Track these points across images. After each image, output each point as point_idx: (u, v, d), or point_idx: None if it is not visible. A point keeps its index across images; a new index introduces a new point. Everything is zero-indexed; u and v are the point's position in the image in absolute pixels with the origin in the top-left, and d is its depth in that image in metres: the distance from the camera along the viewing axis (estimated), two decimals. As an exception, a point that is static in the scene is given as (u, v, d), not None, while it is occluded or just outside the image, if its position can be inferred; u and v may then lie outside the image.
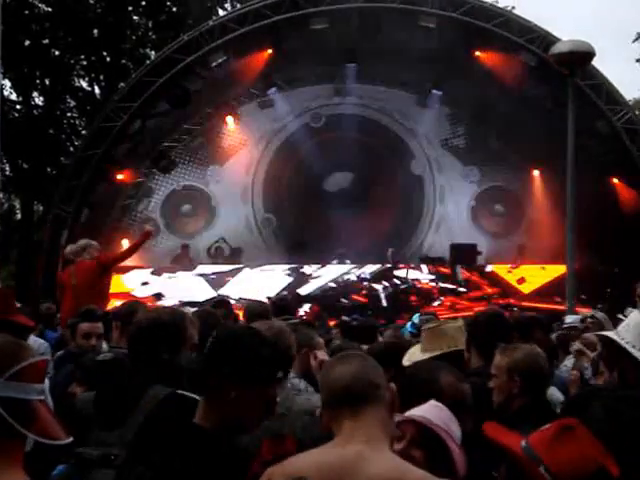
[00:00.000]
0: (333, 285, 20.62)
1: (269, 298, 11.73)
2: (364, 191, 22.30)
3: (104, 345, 5.67)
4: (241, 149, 22.42)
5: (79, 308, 6.99)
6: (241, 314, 7.72)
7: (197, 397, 2.90)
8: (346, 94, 21.58)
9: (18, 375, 2.00)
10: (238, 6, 23.23)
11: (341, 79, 20.81)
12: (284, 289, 19.66)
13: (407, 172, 22.81)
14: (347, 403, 2.53)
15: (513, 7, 25.26)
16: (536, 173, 21.93)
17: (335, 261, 21.15)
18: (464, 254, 20.89)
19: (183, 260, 21.51)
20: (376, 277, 20.57)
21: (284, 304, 7.43)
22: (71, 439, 2.11)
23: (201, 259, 21.87)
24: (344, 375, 2.58)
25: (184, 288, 19.68)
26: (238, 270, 20.70)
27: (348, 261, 21.08)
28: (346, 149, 21.19)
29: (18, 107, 27.30)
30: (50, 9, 26.24)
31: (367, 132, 21.83)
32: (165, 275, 20.58)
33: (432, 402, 3.15)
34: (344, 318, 13.94)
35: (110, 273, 9.13)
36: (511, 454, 2.44)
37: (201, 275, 20.44)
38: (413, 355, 4.56)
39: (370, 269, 20.74)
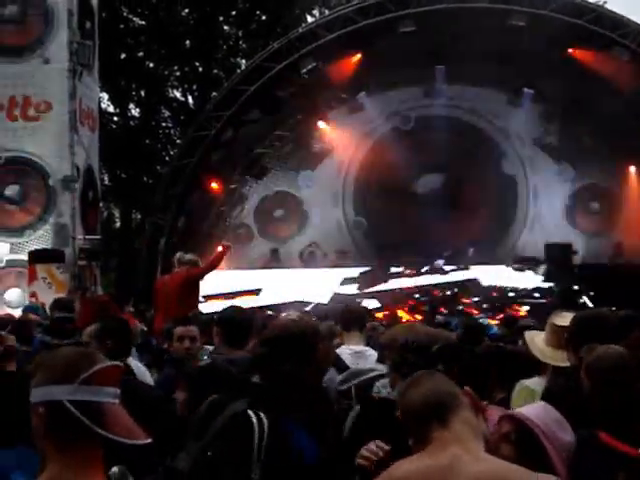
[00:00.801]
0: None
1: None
2: (456, 192, 22.10)
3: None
4: (332, 153, 22.54)
5: (168, 316, 7.69)
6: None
7: (263, 416, 2.89)
8: (435, 96, 21.37)
9: (90, 379, 2.10)
10: (326, 12, 23.40)
11: (430, 81, 20.67)
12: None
13: (499, 172, 22.52)
14: (433, 416, 2.57)
15: (605, 2, 24.71)
16: (632, 169, 21.39)
17: (441, 262, 20.94)
18: (559, 254, 20.52)
19: (271, 265, 21.78)
20: None
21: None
22: (149, 440, 2.14)
23: (293, 263, 22.10)
24: (421, 393, 2.64)
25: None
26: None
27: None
28: (437, 150, 21.03)
29: (115, 119, 28.14)
30: (144, 23, 26.98)
31: (458, 133, 21.61)
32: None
33: (541, 403, 3.16)
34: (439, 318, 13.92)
35: (198, 286, 9.54)
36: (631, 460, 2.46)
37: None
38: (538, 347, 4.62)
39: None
